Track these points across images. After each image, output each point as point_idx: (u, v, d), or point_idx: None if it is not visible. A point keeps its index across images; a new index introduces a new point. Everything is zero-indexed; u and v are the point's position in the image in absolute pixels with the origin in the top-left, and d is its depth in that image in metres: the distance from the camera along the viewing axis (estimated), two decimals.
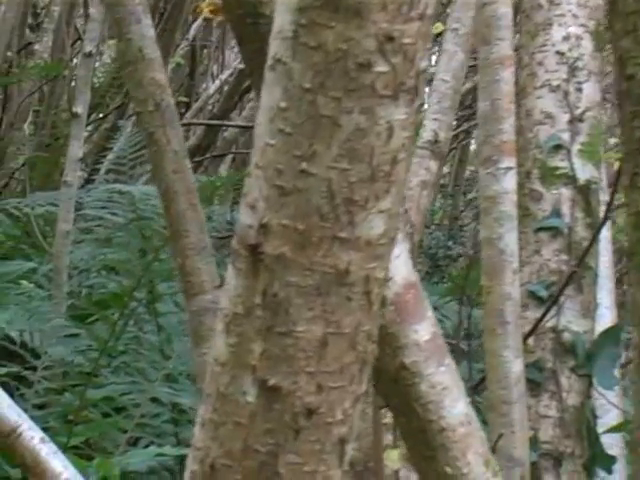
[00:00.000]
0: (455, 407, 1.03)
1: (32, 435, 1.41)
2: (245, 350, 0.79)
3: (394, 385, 1.03)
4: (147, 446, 3.52)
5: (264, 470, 0.80)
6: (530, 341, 1.91)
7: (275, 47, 0.76)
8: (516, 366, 1.54)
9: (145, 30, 1.57)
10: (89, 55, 4.59)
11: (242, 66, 5.89)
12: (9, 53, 6.24)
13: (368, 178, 0.77)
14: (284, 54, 0.76)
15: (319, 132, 0.76)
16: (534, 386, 1.91)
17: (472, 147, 10.81)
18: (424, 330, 1.03)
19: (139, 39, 1.58)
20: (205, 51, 8.42)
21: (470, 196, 10.07)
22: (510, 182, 1.56)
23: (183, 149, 1.58)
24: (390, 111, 0.76)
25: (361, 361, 0.80)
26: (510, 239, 1.55)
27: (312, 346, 0.78)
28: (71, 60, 6.24)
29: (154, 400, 3.65)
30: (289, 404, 0.79)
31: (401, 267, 1.02)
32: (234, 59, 7.98)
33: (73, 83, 6.85)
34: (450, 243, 7.81)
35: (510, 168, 1.56)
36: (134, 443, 3.59)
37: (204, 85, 8.56)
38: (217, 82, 7.14)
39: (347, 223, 0.77)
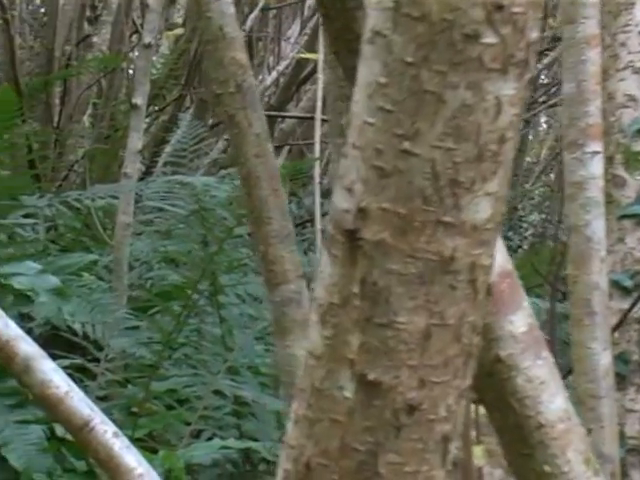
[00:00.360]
0: (553, 402, 0.98)
1: (105, 429, 1.38)
2: (342, 342, 0.75)
3: (488, 379, 0.98)
4: (210, 439, 3.50)
5: (363, 470, 0.75)
6: (615, 333, 1.84)
7: (374, 19, 0.71)
8: (604, 358, 1.48)
9: (225, 7, 1.52)
10: (148, 46, 4.57)
11: (299, 56, 5.85)
12: (68, 46, 6.25)
13: (474, 158, 0.71)
14: (384, 26, 0.71)
15: (422, 109, 0.71)
16: (619, 379, 1.84)
17: (530, 137, 10.69)
18: (520, 321, 0.98)
19: (219, 17, 1.52)
20: (261, 43, 8.39)
21: (528, 187, 9.96)
22: (597, 167, 1.49)
23: (265, 132, 1.52)
24: (498, 86, 0.71)
25: (465, 354, 0.75)
26: (597, 226, 1.48)
27: (414, 338, 0.73)
28: (129, 52, 6.24)
29: (216, 392, 3.63)
30: (390, 400, 0.74)
31: (496, 255, 0.96)
32: (290, 50, 7.94)
33: (130, 73, 6.86)
34: (510, 233, 7.72)
35: (597, 152, 1.49)
36: (196, 435, 3.58)
37: (260, 77, 8.54)
38: (274, 73, 7.10)
39: (452, 206, 0.72)
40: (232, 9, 1.53)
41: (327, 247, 0.75)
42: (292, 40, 8.08)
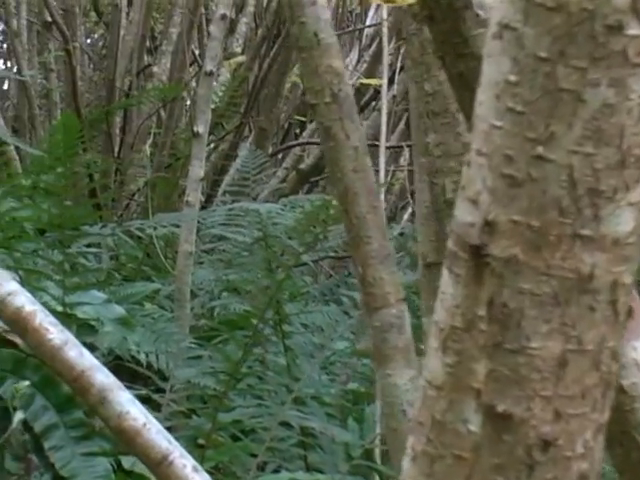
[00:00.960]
0: None
1: (184, 463, 1.32)
2: (466, 370, 0.67)
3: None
4: (276, 471, 3.42)
5: None
6: None
7: (502, 11, 0.64)
8: None
9: (320, 12, 1.44)
10: (210, 74, 4.55)
11: (360, 82, 5.80)
12: (128, 77, 6.26)
13: (617, 164, 0.64)
14: (513, 18, 0.64)
15: (558, 110, 0.63)
16: None
17: None
18: None
19: (314, 22, 1.44)
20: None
21: None
22: None
23: (364, 145, 1.44)
24: None
25: (604, 383, 0.68)
26: None
27: (549, 365, 0.66)
28: (189, 82, 6.23)
29: (282, 423, 3.56)
30: (522, 434, 0.66)
31: None
32: (349, 77, 7.91)
33: (188, 102, 6.86)
34: None
35: None
36: (262, 468, 3.50)
37: None
38: None
39: (591, 218, 0.64)
40: (328, 13, 1.45)
41: (449, 265, 0.68)
42: (350, 67, 8.05)
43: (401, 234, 5.60)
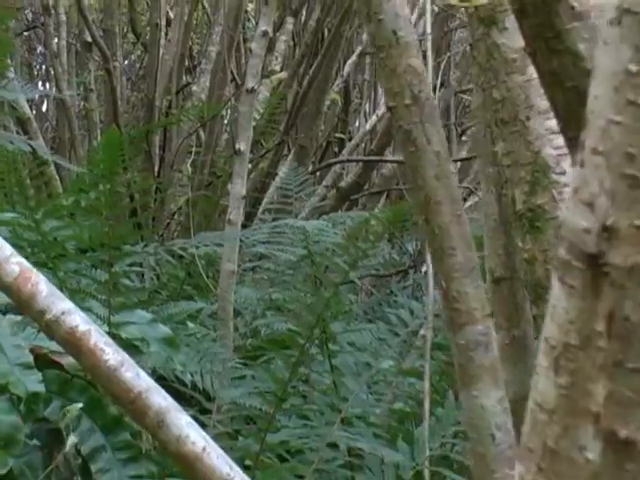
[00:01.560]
0: None
1: None
2: (583, 392, 0.61)
3: None
4: None
5: None
6: None
7: None
8: None
9: (399, 9, 1.37)
10: (251, 91, 4.51)
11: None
12: (167, 96, 6.25)
13: None
14: (635, 1, 0.58)
15: None
16: None
17: None
18: None
19: (392, 19, 1.37)
20: (356, 89, 8.33)
21: None
22: None
23: (445, 150, 1.37)
24: None
25: None
26: None
27: None
28: (229, 100, 6.20)
29: (329, 444, 3.49)
30: None
31: None
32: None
33: (226, 121, 6.83)
34: None
35: None
36: None
37: (357, 122, 8.48)
38: (373, 118, 7.00)
39: None
40: (406, 10, 1.37)
41: (560, 276, 0.62)
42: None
43: None
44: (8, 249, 1.32)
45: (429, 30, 4.06)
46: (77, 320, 1.29)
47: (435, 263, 1.37)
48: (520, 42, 1.27)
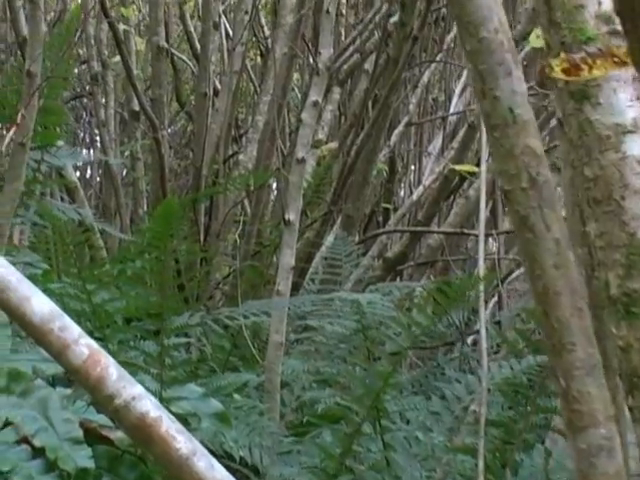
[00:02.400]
0: None
1: None
2: None
3: None
4: None
5: None
6: None
7: None
8: None
9: (516, 85, 1.30)
10: (301, 161, 4.49)
11: (452, 167, 5.70)
12: (214, 165, 6.25)
13: None
14: None
15: None
16: None
17: None
18: None
19: (509, 96, 1.30)
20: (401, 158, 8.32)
21: None
22: None
23: (565, 237, 1.29)
24: None
25: None
26: None
27: None
28: (276, 169, 6.19)
29: None
30: None
31: None
32: (432, 164, 7.86)
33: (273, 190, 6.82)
34: None
35: None
36: None
37: (402, 192, 8.46)
38: (420, 188, 6.96)
39: None
40: (524, 87, 1.31)
41: None
42: (434, 154, 8.01)
43: (497, 322, 5.45)
44: (76, 330, 1.27)
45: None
46: (148, 405, 1.23)
47: (553, 359, 1.29)
48: (614, 118, 1.21)
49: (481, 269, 3.80)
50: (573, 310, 1.28)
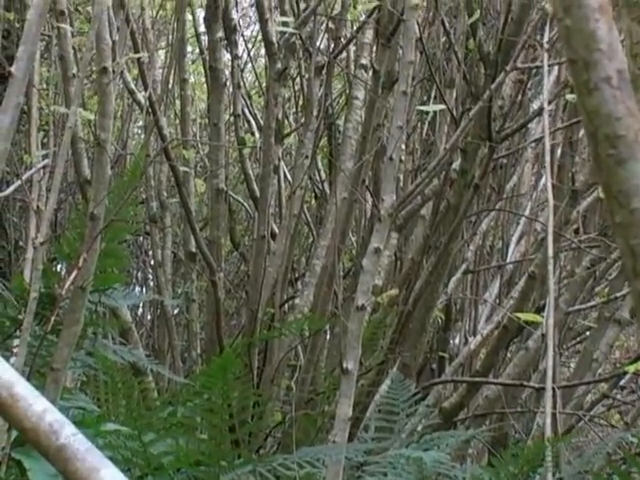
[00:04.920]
0: None
1: None
2: None
3: None
4: None
5: None
6: None
7: None
8: None
9: None
10: (361, 308, 4.40)
11: (516, 315, 5.57)
12: (270, 308, 6.18)
13: None
14: None
15: None
16: None
17: None
18: None
19: None
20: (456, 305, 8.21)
21: None
22: None
23: None
24: None
25: None
26: None
27: None
28: (333, 317, 6.10)
29: None
30: None
31: None
32: (487, 312, 7.75)
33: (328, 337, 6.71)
34: None
35: None
36: None
37: (457, 340, 8.31)
38: (478, 337, 6.83)
39: None
40: None
41: None
42: (489, 302, 7.90)
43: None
44: None
45: (550, 253, 3.93)
46: None
47: None
48: None
49: (548, 428, 3.65)
50: None
